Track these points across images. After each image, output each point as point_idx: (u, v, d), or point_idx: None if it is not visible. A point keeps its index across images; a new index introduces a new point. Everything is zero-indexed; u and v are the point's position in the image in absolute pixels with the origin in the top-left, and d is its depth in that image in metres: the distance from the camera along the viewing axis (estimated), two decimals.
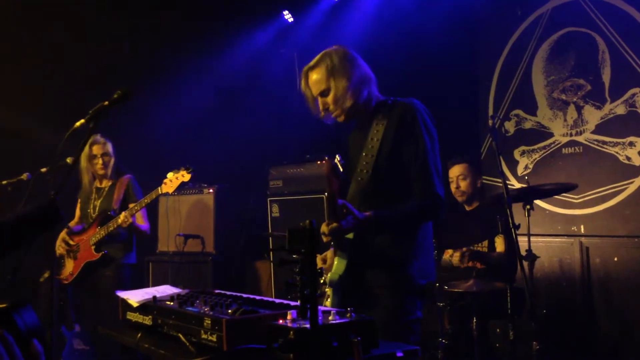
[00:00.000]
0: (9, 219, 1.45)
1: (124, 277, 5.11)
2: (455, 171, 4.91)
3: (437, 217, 2.88)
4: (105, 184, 5.26)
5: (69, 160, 4.65)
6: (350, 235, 2.83)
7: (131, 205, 4.92)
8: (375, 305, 2.78)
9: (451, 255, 4.76)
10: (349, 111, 2.94)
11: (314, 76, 2.96)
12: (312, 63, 2.98)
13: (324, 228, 2.74)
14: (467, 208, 4.95)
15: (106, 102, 2.80)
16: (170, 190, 4.77)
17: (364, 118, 3.00)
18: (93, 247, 5.01)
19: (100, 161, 5.18)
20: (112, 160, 5.25)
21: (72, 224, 5.35)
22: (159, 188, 4.79)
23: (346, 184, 2.92)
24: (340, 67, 2.90)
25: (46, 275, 5.06)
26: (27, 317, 1.18)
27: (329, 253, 3.02)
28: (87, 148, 5.15)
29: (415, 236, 2.87)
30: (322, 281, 3.33)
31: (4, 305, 1.18)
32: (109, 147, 5.23)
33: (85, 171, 5.25)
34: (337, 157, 2.77)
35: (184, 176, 4.73)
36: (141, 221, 5.18)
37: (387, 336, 2.29)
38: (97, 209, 5.18)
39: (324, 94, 2.95)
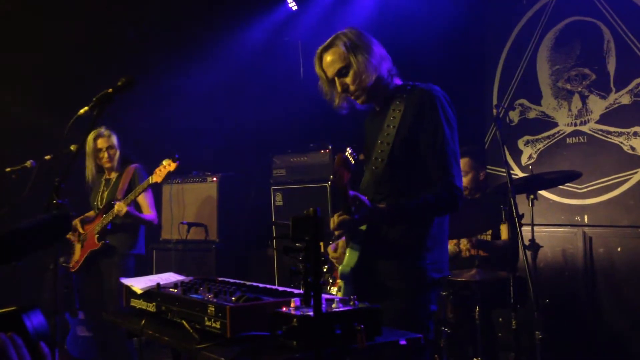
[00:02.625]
0: (22, 226, 1.47)
1: (127, 267, 5.11)
2: None
3: (455, 209, 2.73)
4: (114, 175, 5.27)
5: (72, 147, 4.66)
6: (363, 227, 2.75)
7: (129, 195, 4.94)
8: (387, 297, 2.70)
9: (456, 244, 4.76)
10: (370, 90, 2.81)
11: (329, 57, 2.82)
12: (326, 44, 2.84)
13: (334, 220, 2.64)
14: (469, 197, 4.95)
15: (110, 90, 2.80)
16: (159, 180, 4.79)
17: (382, 102, 2.89)
18: (96, 237, 5.04)
19: (106, 154, 5.18)
20: (118, 153, 5.24)
21: (91, 213, 5.37)
22: (150, 178, 4.82)
23: (357, 175, 2.85)
24: (358, 42, 2.77)
25: (60, 261, 5.09)
26: (35, 320, 1.21)
27: (340, 243, 2.96)
28: (91, 142, 5.16)
29: (430, 228, 2.76)
30: (324, 269, 3.34)
31: (14, 308, 1.20)
32: (114, 140, 5.22)
33: (88, 164, 5.25)
34: (349, 150, 2.65)
35: (170, 165, 4.74)
36: (147, 210, 5.19)
37: (400, 329, 2.24)
38: (104, 200, 5.19)
39: (342, 73, 2.82)
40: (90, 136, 5.15)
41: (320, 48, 2.88)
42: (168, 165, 4.74)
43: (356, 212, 2.58)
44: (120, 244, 5.10)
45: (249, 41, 7.00)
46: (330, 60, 2.83)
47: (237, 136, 6.91)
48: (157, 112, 6.71)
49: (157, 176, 4.78)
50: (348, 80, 2.81)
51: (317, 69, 2.91)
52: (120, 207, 4.86)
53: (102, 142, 5.18)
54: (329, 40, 2.85)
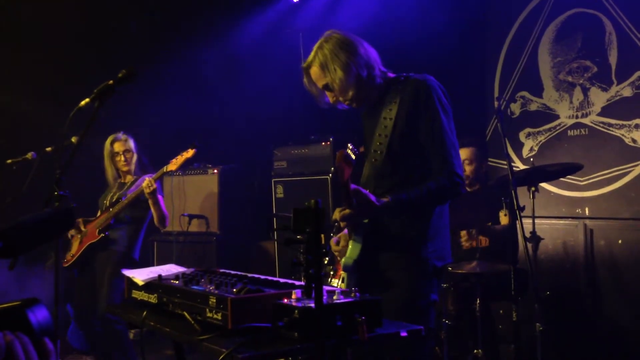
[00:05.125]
0: (26, 220, 1.46)
1: (122, 267, 5.06)
2: (461, 154, 4.89)
3: (456, 196, 2.77)
4: (129, 179, 5.27)
5: (73, 139, 4.65)
6: (365, 220, 2.77)
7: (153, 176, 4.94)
8: (390, 288, 2.72)
9: (459, 237, 4.77)
10: (357, 97, 2.88)
11: (313, 72, 2.91)
12: (308, 59, 2.92)
13: (336, 215, 2.66)
14: (468, 189, 4.95)
15: (111, 81, 2.80)
16: (174, 168, 4.87)
17: (376, 96, 2.92)
18: (97, 230, 5.02)
19: (122, 158, 5.22)
20: (135, 156, 5.28)
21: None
22: (165, 167, 4.88)
23: (359, 168, 2.85)
24: (331, 58, 2.81)
25: (53, 259, 5.08)
26: (40, 314, 1.18)
27: (342, 235, 2.96)
28: (108, 145, 5.22)
29: (431, 217, 2.79)
30: (326, 261, 3.34)
31: (18, 303, 1.18)
32: (131, 144, 5.27)
33: (108, 168, 5.29)
34: (349, 145, 2.67)
35: (188, 152, 4.84)
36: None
37: (401, 319, 2.26)
38: (114, 199, 5.18)
39: (327, 87, 2.90)
40: (108, 140, 5.27)
41: (304, 65, 2.96)
42: (186, 153, 4.84)
43: (358, 205, 2.61)
44: (121, 240, 5.08)
45: (249, 32, 6.98)
46: (315, 76, 2.92)
47: (238, 128, 6.90)
48: (157, 104, 6.70)
49: (173, 164, 4.87)
50: (336, 93, 2.90)
51: (306, 83, 2.99)
52: (149, 183, 4.84)
53: (118, 145, 5.24)
54: (311, 55, 2.92)
